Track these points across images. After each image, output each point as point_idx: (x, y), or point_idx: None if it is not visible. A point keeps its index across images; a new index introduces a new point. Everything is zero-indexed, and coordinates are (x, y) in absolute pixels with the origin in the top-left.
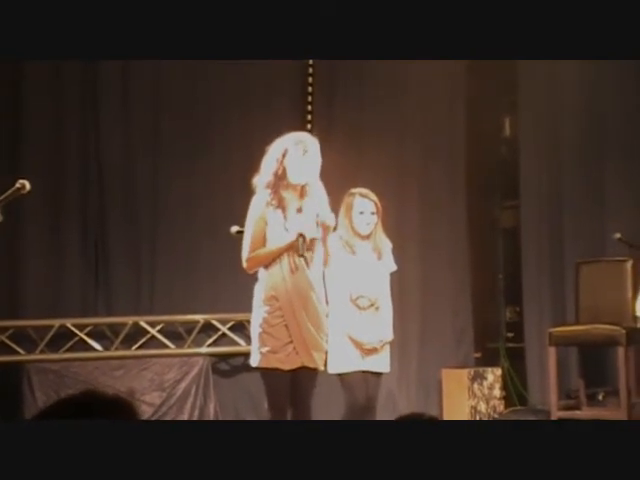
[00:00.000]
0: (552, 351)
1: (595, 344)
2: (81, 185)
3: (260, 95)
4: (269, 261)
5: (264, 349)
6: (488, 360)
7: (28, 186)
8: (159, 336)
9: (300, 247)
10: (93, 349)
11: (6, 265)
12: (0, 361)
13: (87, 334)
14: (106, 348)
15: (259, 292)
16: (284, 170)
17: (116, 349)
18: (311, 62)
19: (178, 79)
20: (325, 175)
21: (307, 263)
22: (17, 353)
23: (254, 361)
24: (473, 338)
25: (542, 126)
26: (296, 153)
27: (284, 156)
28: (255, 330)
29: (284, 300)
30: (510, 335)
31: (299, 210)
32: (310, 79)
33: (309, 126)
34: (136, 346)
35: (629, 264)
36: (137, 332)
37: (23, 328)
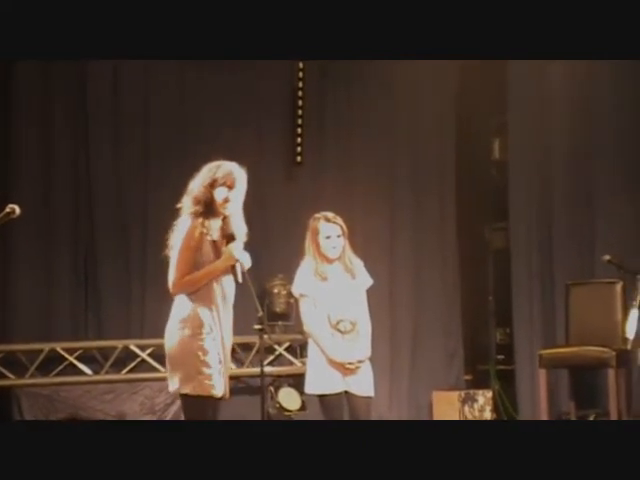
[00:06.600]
0: (542, 373)
1: (585, 366)
2: (72, 210)
3: (250, 122)
4: (199, 286)
5: (199, 376)
6: (479, 382)
7: (18, 210)
8: (149, 359)
9: (239, 275)
10: (83, 373)
11: None
12: None
13: (77, 358)
14: (96, 372)
15: (186, 318)
16: (212, 199)
17: (106, 373)
18: (300, 94)
19: (166, 114)
20: (317, 200)
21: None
22: (7, 377)
23: (185, 388)
24: (464, 360)
25: (531, 148)
26: (224, 185)
27: (212, 186)
28: (185, 357)
29: (215, 328)
30: (501, 357)
31: (224, 237)
32: (300, 111)
33: (299, 158)
34: (126, 370)
35: (619, 286)
36: (127, 356)
37: (13, 352)
